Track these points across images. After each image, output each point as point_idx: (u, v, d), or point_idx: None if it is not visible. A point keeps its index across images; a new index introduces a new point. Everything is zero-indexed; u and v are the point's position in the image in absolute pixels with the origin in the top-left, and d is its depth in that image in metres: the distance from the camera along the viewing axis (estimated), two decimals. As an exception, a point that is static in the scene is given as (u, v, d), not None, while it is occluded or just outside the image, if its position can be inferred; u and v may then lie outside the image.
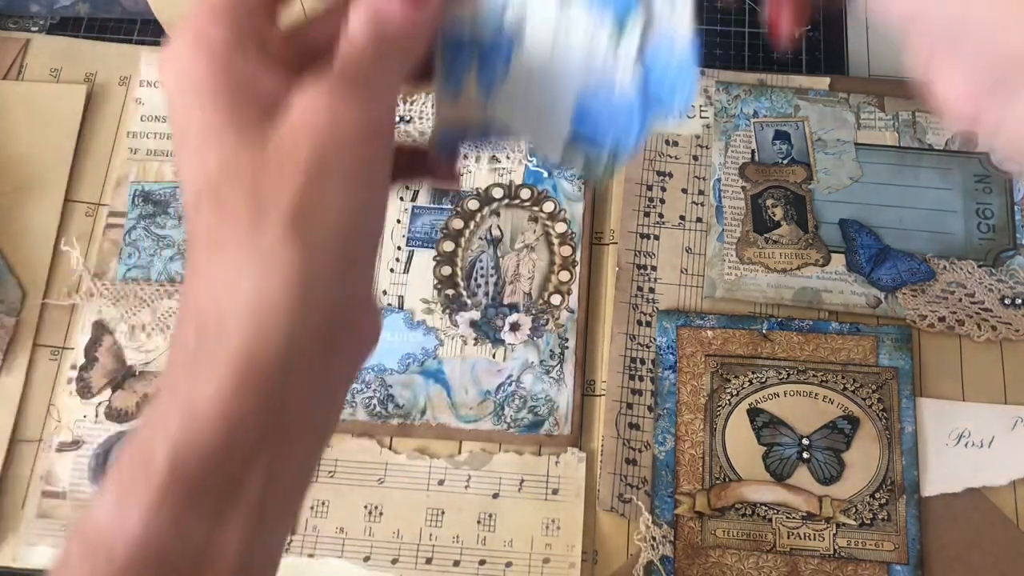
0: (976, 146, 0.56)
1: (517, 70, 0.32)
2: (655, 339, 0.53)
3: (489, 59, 0.32)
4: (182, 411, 0.25)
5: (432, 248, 0.55)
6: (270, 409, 0.25)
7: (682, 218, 0.55)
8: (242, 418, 0.25)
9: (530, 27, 0.32)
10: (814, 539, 0.49)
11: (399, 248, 0.55)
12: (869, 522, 0.49)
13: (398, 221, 0.56)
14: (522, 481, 0.50)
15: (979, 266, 0.54)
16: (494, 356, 0.53)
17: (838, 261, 0.54)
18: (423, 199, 0.57)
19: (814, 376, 0.51)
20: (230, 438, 0.25)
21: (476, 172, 0.57)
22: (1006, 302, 0.53)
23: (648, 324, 0.53)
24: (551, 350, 0.53)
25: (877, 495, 0.49)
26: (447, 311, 0.54)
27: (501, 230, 0.56)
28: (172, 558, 0.25)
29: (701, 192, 0.56)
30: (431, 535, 0.50)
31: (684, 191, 0.56)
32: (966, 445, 0.50)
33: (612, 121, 0.32)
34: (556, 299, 0.54)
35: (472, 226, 0.56)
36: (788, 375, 0.51)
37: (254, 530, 0.26)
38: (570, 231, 0.55)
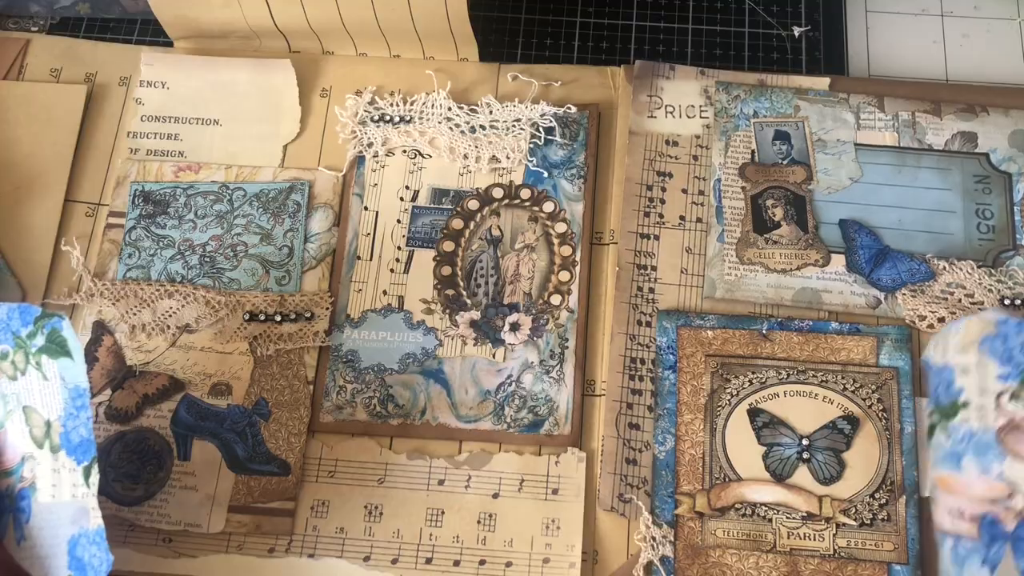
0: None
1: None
2: (655, 339, 0.53)
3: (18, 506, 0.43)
4: None
5: (432, 248, 0.55)
6: None
7: (682, 218, 0.55)
8: None
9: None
10: (814, 539, 0.49)
11: (399, 248, 0.55)
12: (869, 522, 0.49)
13: (398, 221, 0.56)
14: (522, 481, 0.50)
15: (979, 267, 0.54)
16: (494, 356, 0.53)
17: (838, 261, 0.54)
18: (423, 199, 0.57)
19: (814, 376, 0.51)
20: None
21: (476, 172, 0.57)
22: (1005, 302, 0.53)
23: (648, 324, 0.53)
24: (551, 350, 0.53)
25: (877, 495, 0.49)
26: (447, 311, 0.54)
27: (501, 230, 0.56)
28: None
29: (701, 192, 0.56)
30: (431, 535, 0.50)
31: (684, 191, 0.56)
32: (966, 445, 0.50)
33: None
34: (556, 299, 0.54)
35: (472, 226, 0.56)
36: (788, 375, 0.52)
37: None
38: (570, 231, 0.55)
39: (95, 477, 0.40)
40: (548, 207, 0.56)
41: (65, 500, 0.41)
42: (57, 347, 0.40)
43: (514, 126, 0.57)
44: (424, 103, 0.58)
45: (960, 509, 0.43)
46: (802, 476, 0.50)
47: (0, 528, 0.42)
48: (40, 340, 0.40)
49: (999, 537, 0.42)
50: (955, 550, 0.43)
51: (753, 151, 0.57)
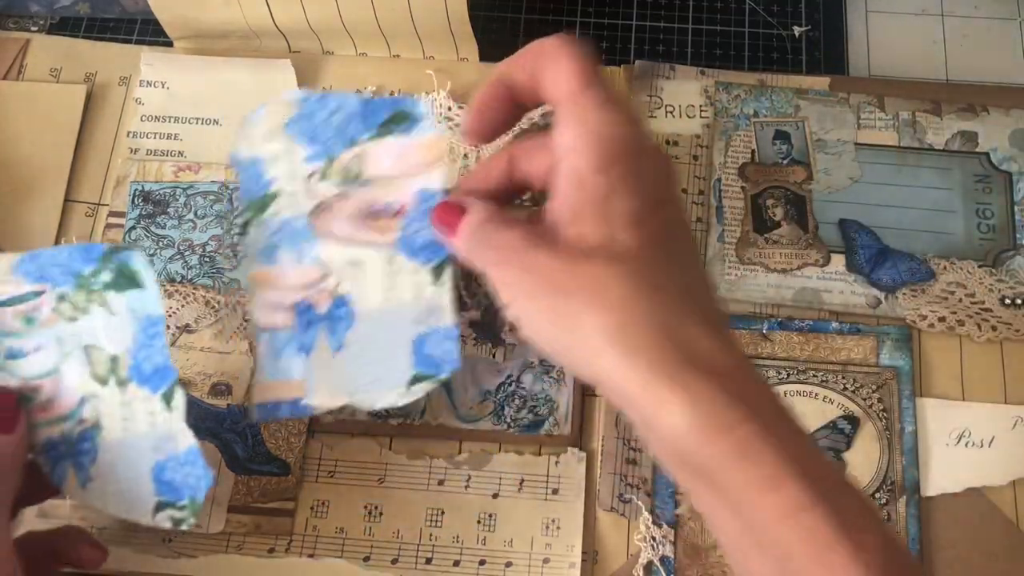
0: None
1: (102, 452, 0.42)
2: (655, 339, 0.53)
3: (78, 449, 0.42)
4: None
5: (432, 248, 0.55)
6: None
7: (682, 218, 0.55)
8: None
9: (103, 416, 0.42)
10: (814, 539, 0.49)
11: (399, 248, 0.55)
12: (869, 522, 0.49)
13: (398, 221, 0.56)
14: (522, 481, 0.50)
15: (979, 266, 0.54)
16: (494, 356, 0.53)
17: (838, 261, 0.54)
18: (423, 199, 0.56)
19: (814, 376, 0.51)
20: None
21: (476, 172, 0.57)
22: (1006, 302, 0.53)
23: (648, 324, 0.53)
24: (551, 350, 0.53)
25: (877, 495, 0.49)
26: (447, 311, 0.54)
27: (501, 230, 0.56)
28: None
29: (701, 192, 0.56)
30: (431, 535, 0.50)
31: (684, 191, 0.56)
32: (966, 445, 0.50)
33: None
34: (556, 299, 0.54)
35: (472, 226, 0.56)
36: (788, 375, 0.51)
37: None
38: (570, 231, 0.55)
39: (179, 400, 0.40)
40: (548, 207, 0.56)
41: (142, 431, 0.41)
42: (126, 280, 0.39)
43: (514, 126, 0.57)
44: (424, 103, 0.58)
45: (277, 301, 0.42)
46: (802, 476, 0.50)
47: (58, 475, 0.42)
48: (106, 276, 0.40)
49: (313, 321, 0.41)
50: (271, 343, 0.42)
51: (753, 151, 0.57)
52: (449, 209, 0.39)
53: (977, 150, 0.56)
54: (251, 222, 0.42)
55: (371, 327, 0.41)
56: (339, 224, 0.41)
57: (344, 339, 0.41)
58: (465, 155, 0.57)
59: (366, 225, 0.41)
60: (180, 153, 0.58)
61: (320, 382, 0.41)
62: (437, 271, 0.41)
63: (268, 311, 0.42)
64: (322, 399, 0.41)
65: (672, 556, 0.49)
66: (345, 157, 0.41)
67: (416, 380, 0.40)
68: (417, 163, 0.41)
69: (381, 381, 0.41)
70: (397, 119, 0.41)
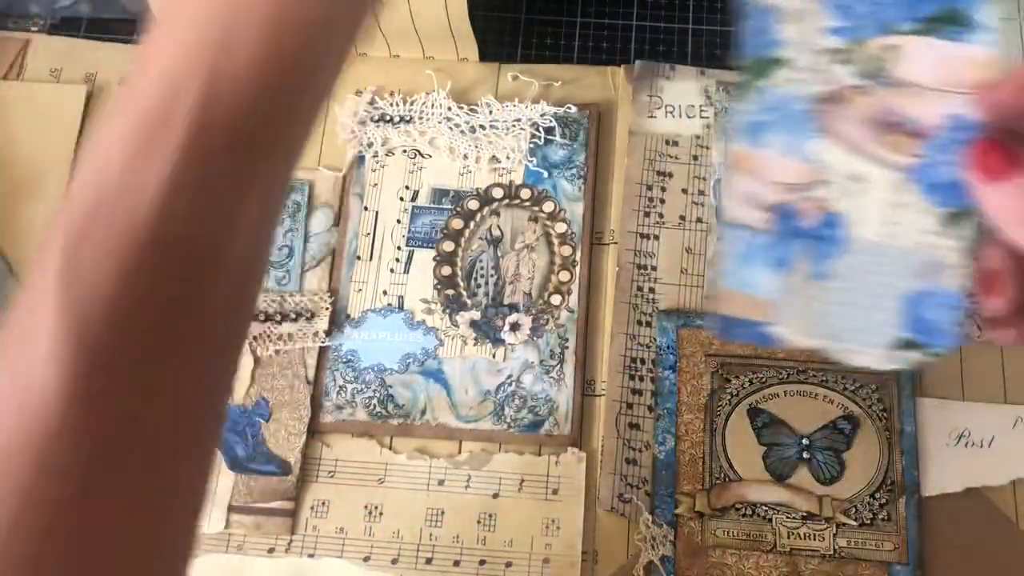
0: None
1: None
2: (655, 339, 0.53)
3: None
4: (209, 63, 0.24)
5: (432, 248, 0.55)
6: (306, 51, 0.25)
7: (682, 218, 0.55)
8: (281, 63, 0.24)
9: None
10: (814, 539, 0.49)
11: (399, 248, 0.55)
12: (869, 522, 0.49)
13: (398, 221, 0.56)
14: (522, 481, 0.50)
15: (979, 266, 0.54)
16: (494, 356, 0.53)
17: (838, 261, 0.54)
18: (423, 199, 0.57)
19: (814, 376, 0.51)
20: (265, 89, 0.24)
21: (476, 172, 0.57)
22: (1006, 302, 0.53)
23: (648, 324, 0.53)
24: (551, 350, 0.53)
25: (877, 495, 0.49)
26: (447, 311, 0.54)
27: (501, 230, 0.56)
28: (191, 233, 0.23)
29: (701, 192, 0.56)
30: (431, 535, 0.50)
31: (684, 191, 0.56)
32: (966, 445, 0.50)
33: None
34: (556, 299, 0.54)
35: (472, 226, 0.56)
36: (788, 375, 0.51)
37: (265, 209, 0.26)
38: (570, 231, 0.55)
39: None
40: (548, 207, 0.56)
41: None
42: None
43: (514, 126, 0.57)
44: (424, 103, 0.58)
45: (755, 194, 0.34)
46: (802, 476, 0.50)
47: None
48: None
49: (794, 234, 0.33)
50: (740, 244, 0.34)
51: (753, 151, 0.56)
52: (999, 153, 0.31)
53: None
54: (749, 85, 0.34)
55: (863, 263, 0.33)
56: (850, 125, 0.33)
57: (829, 267, 0.33)
58: (465, 155, 0.57)
59: (878, 135, 0.33)
60: (180, 153, 0.58)
61: (793, 311, 0.33)
62: (952, 220, 0.32)
63: (741, 203, 0.34)
64: (795, 334, 0.33)
65: (672, 556, 0.49)
66: (876, 44, 0.33)
67: (904, 345, 0.32)
68: (960, 80, 0.33)
69: (860, 333, 0.33)
70: (948, 18, 0.34)
